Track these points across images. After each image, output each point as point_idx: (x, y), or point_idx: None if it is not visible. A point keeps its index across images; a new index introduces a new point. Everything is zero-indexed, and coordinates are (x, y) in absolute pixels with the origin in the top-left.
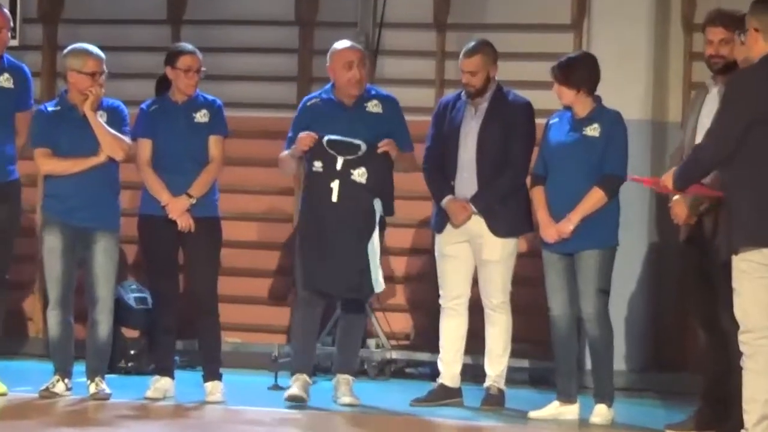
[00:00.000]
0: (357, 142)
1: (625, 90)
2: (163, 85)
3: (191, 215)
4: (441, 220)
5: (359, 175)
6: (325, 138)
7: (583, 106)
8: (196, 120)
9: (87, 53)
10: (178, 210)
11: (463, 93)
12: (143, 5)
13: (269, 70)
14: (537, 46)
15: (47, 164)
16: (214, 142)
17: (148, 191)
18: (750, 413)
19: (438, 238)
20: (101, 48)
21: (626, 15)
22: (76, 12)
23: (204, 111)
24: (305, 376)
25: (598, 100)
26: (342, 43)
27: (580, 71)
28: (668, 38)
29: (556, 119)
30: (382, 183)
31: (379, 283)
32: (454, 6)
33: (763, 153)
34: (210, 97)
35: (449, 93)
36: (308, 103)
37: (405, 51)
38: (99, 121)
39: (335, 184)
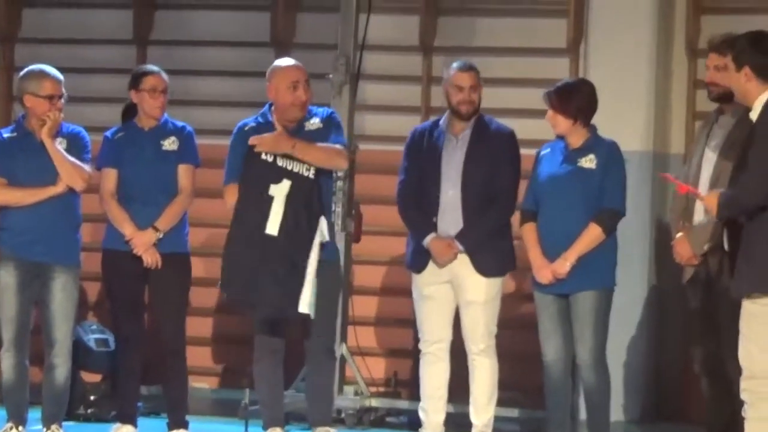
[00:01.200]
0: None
1: (624, 119)
2: (130, 113)
3: (158, 250)
4: (420, 259)
5: None
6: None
7: (577, 136)
8: (164, 148)
9: (44, 75)
10: (144, 244)
11: (443, 120)
12: (107, 24)
13: (242, 94)
14: (530, 72)
15: (1, 195)
16: (183, 172)
17: (112, 224)
18: None
19: (416, 278)
20: (61, 70)
21: (626, 39)
22: (34, 31)
23: (173, 138)
24: (278, 430)
25: (593, 129)
26: (285, 61)
27: (578, 99)
28: (671, 64)
29: (548, 150)
30: None
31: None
32: (441, 28)
33: None
34: (179, 123)
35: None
36: (245, 128)
37: (388, 75)
38: (57, 148)
39: None
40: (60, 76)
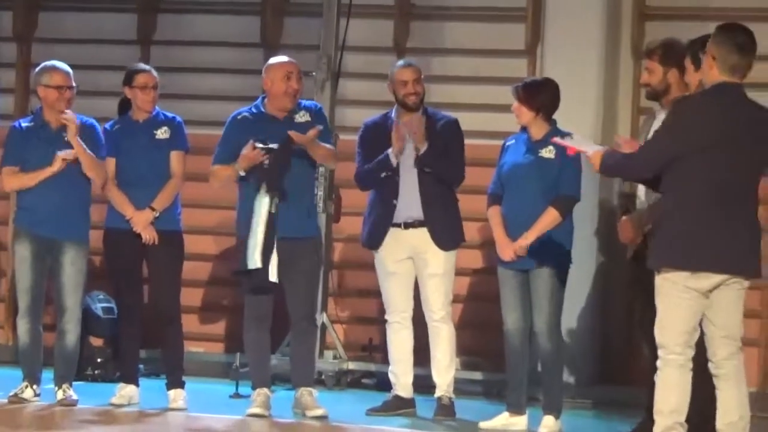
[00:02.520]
0: (272, 145)
1: (576, 113)
2: (126, 106)
3: (154, 228)
4: (378, 235)
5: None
6: (257, 144)
7: (539, 129)
8: (157, 137)
9: (54, 68)
10: (143, 223)
11: (393, 113)
12: (114, 26)
13: (235, 89)
14: (493, 71)
15: (10, 182)
16: (175, 158)
17: (113, 206)
18: (657, 424)
19: (379, 256)
20: (73, 67)
21: (578, 42)
22: (49, 31)
23: (165, 128)
24: (266, 390)
25: (553, 123)
26: (280, 58)
27: (542, 95)
28: (618, 65)
29: (512, 141)
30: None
31: (254, 260)
32: (413, 31)
33: (694, 181)
34: (170, 115)
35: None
36: (238, 117)
37: (366, 73)
38: (84, 148)
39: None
40: (69, 69)
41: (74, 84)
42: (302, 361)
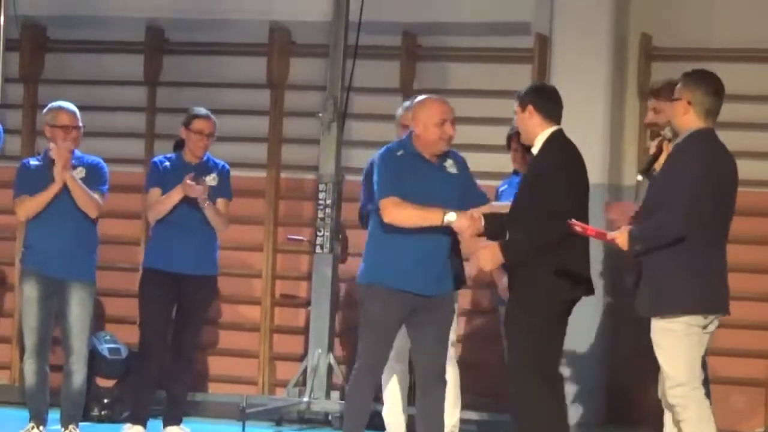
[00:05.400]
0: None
1: (583, 154)
2: (179, 144)
3: (192, 273)
4: None
5: None
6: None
7: None
8: (206, 183)
9: (60, 108)
10: (190, 186)
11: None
12: (121, 67)
13: (242, 130)
14: (499, 112)
15: (23, 209)
16: (221, 205)
17: (152, 246)
18: None
19: None
20: (80, 107)
21: (585, 84)
22: (55, 73)
23: (214, 175)
24: None
25: None
26: (429, 98)
27: None
28: (624, 106)
29: (505, 186)
30: None
31: None
32: (419, 72)
33: (697, 224)
34: (219, 162)
35: None
36: (397, 154)
37: (372, 115)
38: (76, 182)
39: None
40: (75, 109)
41: (81, 124)
42: (430, 423)
